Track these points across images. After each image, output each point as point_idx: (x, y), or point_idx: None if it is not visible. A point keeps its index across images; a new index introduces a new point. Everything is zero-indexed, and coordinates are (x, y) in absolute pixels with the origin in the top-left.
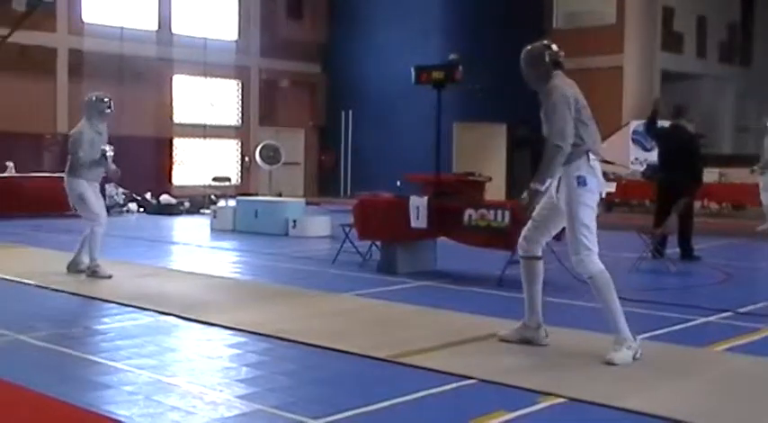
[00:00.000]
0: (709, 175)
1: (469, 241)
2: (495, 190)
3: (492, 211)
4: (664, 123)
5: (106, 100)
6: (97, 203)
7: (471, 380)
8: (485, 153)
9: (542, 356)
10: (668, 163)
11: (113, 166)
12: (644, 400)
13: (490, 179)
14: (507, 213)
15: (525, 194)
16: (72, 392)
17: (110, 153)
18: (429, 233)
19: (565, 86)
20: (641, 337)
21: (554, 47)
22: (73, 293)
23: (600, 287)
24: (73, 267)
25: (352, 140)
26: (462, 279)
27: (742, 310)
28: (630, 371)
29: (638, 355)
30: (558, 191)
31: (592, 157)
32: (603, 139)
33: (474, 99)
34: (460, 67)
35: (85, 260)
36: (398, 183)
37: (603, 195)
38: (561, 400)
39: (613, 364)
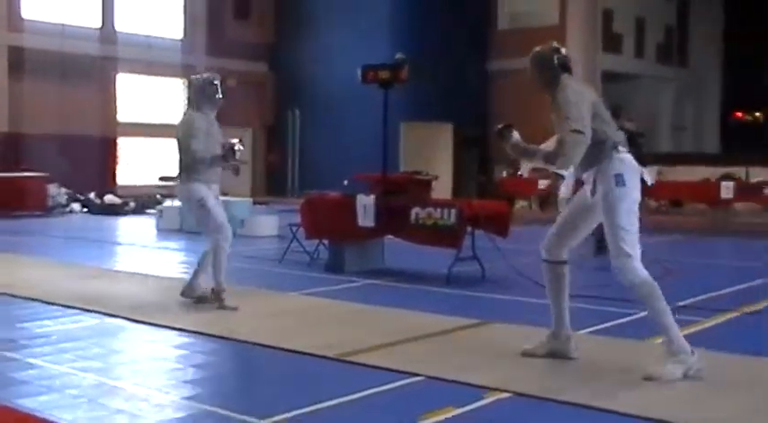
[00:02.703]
0: (649, 172)
1: (416, 240)
2: (442, 189)
3: (439, 210)
4: None
5: (216, 82)
6: (221, 212)
7: (419, 377)
8: (431, 152)
9: (489, 353)
10: None
11: (237, 163)
12: (587, 392)
13: (437, 178)
14: (454, 212)
15: (551, 179)
16: (14, 397)
17: (239, 147)
18: (376, 232)
19: (577, 85)
20: (585, 331)
21: (563, 50)
22: (13, 296)
23: (645, 296)
24: (189, 292)
25: (299, 140)
26: (410, 277)
27: (681, 303)
28: (573, 365)
29: (692, 372)
30: (593, 193)
31: (621, 149)
32: (547, 138)
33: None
34: (407, 67)
35: (203, 284)
36: (345, 182)
37: (651, 183)
38: (507, 394)
39: (654, 379)
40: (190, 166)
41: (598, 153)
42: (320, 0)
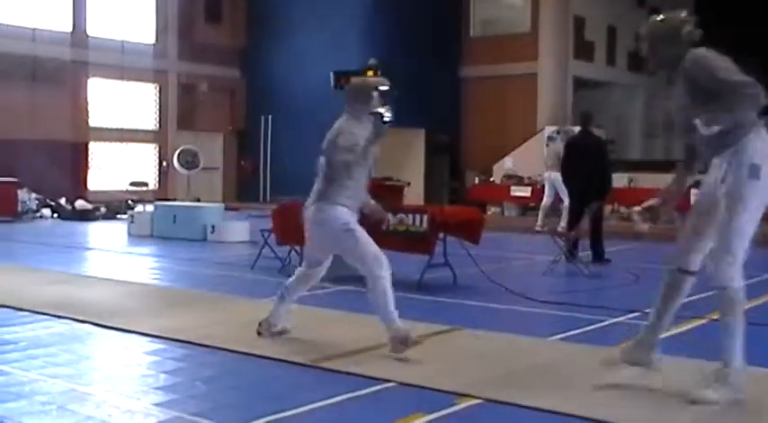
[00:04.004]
0: (619, 179)
1: (388, 246)
2: (414, 195)
3: (410, 216)
4: (573, 129)
5: (382, 88)
6: (370, 239)
7: (390, 383)
8: (403, 158)
9: (460, 359)
10: (578, 168)
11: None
12: (558, 399)
13: (408, 184)
14: (425, 218)
15: (704, 128)
16: None
17: (387, 115)
18: None
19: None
20: (556, 337)
21: (691, 19)
22: None
23: (729, 304)
24: (268, 326)
25: (271, 145)
26: None
27: (649, 310)
28: (543, 371)
29: (740, 395)
30: (723, 180)
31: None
32: (518, 145)
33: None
34: (379, 72)
35: (285, 316)
36: None
37: None
38: (478, 401)
39: (698, 402)
40: (333, 184)
41: (737, 132)
42: (293, 5)
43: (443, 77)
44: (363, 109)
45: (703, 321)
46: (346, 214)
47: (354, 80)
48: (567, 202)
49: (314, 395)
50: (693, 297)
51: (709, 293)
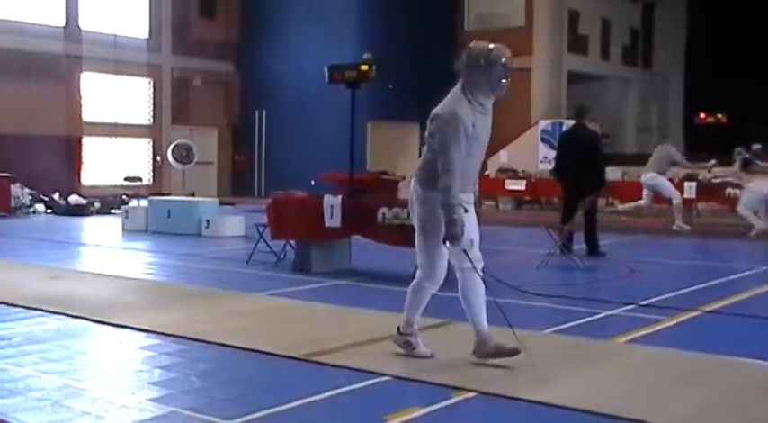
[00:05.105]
0: (614, 173)
1: (383, 240)
2: (408, 189)
3: (405, 210)
4: (567, 123)
5: (504, 61)
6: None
7: (386, 377)
8: (398, 152)
9: (455, 352)
10: (573, 162)
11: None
12: (553, 392)
13: (403, 178)
14: None
15: None
16: None
17: None
18: (343, 232)
19: None
20: (550, 330)
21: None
22: None
23: None
24: (481, 349)
25: (266, 140)
26: (377, 277)
27: (644, 302)
28: (540, 364)
29: None
30: None
31: None
32: (513, 138)
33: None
34: (373, 67)
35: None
36: (312, 182)
37: None
38: (474, 394)
39: None
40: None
41: None
42: (287, 0)
43: (438, 71)
44: (481, 86)
45: (695, 314)
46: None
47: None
48: (675, 200)
49: (309, 389)
50: (683, 290)
51: (703, 285)
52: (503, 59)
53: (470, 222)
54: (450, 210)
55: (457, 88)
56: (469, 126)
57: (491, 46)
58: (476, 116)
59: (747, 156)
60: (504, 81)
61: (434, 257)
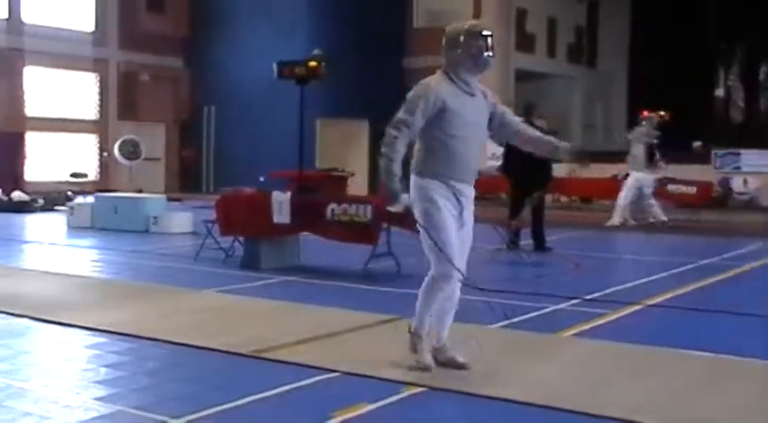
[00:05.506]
0: (560, 169)
1: (332, 236)
2: (358, 185)
3: (354, 206)
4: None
5: (485, 34)
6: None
7: (335, 373)
8: (348, 149)
9: (405, 349)
10: (520, 158)
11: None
12: (502, 386)
13: (353, 174)
14: (370, 208)
15: None
16: None
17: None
18: (292, 228)
19: None
20: (499, 325)
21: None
22: None
23: None
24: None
25: (215, 136)
26: (326, 273)
27: (589, 297)
28: (488, 359)
29: None
30: None
31: None
32: None
33: (337, 95)
34: (323, 63)
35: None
36: (261, 178)
37: None
38: (423, 389)
39: None
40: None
41: None
42: None
43: (388, 68)
44: (461, 63)
45: (638, 307)
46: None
47: (456, 27)
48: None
49: (258, 386)
50: (627, 285)
51: (646, 279)
52: (483, 32)
53: (466, 217)
54: (385, 163)
55: (437, 72)
56: (447, 101)
57: (470, 22)
58: (459, 95)
59: (655, 147)
60: (487, 53)
61: (440, 252)
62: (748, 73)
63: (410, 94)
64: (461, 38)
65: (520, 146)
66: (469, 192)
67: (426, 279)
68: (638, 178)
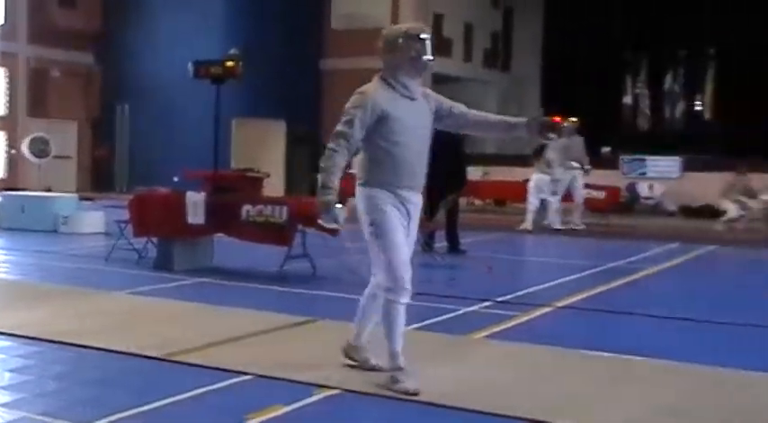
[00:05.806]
0: (474, 172)
1: (247, 237)
2: (274, 186)
3: (270, 208)
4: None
5: (423, 37)
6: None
7: (248, 376)
8: (264, 149)
9: (317, 350)
10: (435, 161)
11: None
12: (414, 387)
13: (268, 175)
14: (285, 210)
15: None
16: None
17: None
18: (206, 229)
19: None
20: (412, 327)
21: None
22: None
23: None
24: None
25: (129, 134)
26: (240, 275)
27: (501, 299)
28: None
29: None
30: None
31: None
32: None
33: (254, 95)
34: (240, 63)
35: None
36: (176, 178)
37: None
38: (336, 391)
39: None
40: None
41: None
42: None
43: (305, 69)
44: (401, 68)
45: (548, 310)
46: (381, 198)
47: (395, 30)
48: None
49: (170, 389)
50: (538, 287)
51: (556, 282)
52: (422, 35)
53: (412, 226)
54: (321, 177)
55: (374, 79)
56: (386, 108)
57: (408, 24)
58: (398, 100)
59: (541, 147)
60: (426, 57)
61: (392, 260)
62: (654, 82)
63: (347, 105)
64: (400, 41)
65: (482, 133)
66: (416, 199)
67: (377, 299)
68: (535, 179)
